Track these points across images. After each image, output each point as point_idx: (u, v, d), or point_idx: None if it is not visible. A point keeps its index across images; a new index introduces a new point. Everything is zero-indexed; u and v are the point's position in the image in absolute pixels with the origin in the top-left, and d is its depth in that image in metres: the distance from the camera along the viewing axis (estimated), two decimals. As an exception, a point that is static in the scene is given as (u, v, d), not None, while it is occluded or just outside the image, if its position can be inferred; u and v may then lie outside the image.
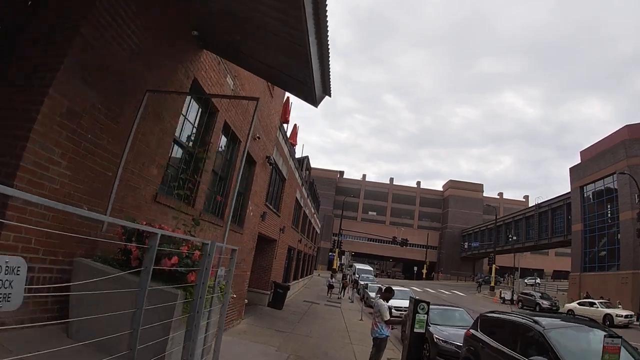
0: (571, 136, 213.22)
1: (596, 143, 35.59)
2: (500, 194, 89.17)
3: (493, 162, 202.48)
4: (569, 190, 39.80)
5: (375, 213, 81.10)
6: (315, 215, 41.28)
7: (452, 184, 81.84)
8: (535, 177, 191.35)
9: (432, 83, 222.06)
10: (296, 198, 26.01)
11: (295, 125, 15.18)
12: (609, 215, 32.51)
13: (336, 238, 46.07)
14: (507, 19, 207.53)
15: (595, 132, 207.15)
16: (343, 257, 48.25)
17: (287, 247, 22.63)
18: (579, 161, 37.87)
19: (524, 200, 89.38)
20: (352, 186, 78.40)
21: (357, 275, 34.55)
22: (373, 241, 74.77)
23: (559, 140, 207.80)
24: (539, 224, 49.27)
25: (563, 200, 42.93)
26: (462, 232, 75.25)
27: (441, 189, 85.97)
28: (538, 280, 53.42)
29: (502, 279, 59.91)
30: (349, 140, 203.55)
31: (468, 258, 72.72)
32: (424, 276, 66.93)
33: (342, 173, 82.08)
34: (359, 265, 40.08)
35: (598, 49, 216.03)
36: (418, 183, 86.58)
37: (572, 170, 37.84)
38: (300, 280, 34.55)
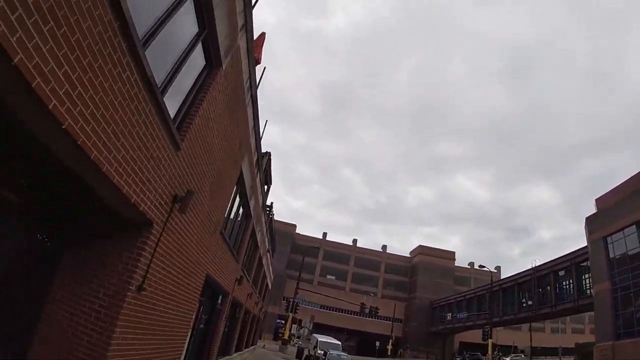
0: (519, 219, 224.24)
1: (616, 187, 30.78)
2: (471, 264, 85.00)
3: (442, 241, 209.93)
4: (560, 254, 36.30)
5: (334, 277, 73.22)
6: (270, 265, 34.13)
7: (421, 250, 76.01)
8: (485, 256, 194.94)
9: (391, 160, 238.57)
10: (252, 230, 19.39)
11: (262, 34, 9.39)
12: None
13: (287, 302, 38.26)
14: (466, 102, 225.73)
15: (541, 217, 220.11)
16: (297, 325, 40.62)
17: (234, 303, 17.15)
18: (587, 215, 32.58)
19: (495, 271, 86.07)
20: (310, 244, 70.87)
21: (321, 351, 26.93)
22: (330, 309, 66.75)
23: (508, 222, 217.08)
24: (537, 290, 44.21)
25: (570, 260, 38.27)
26: (432, 304, 68.15)
27: (408, 255, 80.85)
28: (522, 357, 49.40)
29: (476, 356, 54.40)
30: (304, 209, 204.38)
31: (438, 333, 65.79)
32: (389, 353, 58.97)
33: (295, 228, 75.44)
34: (321, 337, 32.07)
35: (549, 134, 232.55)
36: (384, 247, 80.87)
37: (589, 220, 32.28)
38: (243, 352, 26.46)
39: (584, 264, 36.54)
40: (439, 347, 64.08)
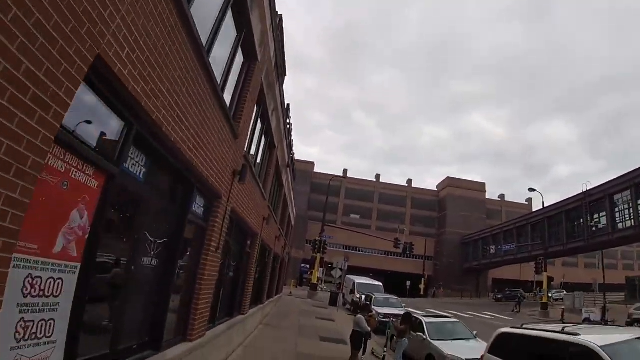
0: (537, 156, 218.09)
1: None
2: (502, 197, 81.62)
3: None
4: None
5: (358, 216, 70.25)
6: (292, 200, 30.80)
7: (450, 182, 71.43)
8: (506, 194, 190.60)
9: (405, 101, 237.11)
10: (277, 161, 15.65)
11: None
12: None
13: (313, 245, 34.96)
14: (480, 40, 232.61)
15: (560, 153, 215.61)
16: (324, 268, 37.83)
17: (262, 247, 14.86)
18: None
19: (527, 203, 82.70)
20: (331, 182, 67.28)
21: (359, 295, 23.84)
22: (356, 250, 64.85)
23: (526, 160, 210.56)
24: (588, 217, 40.13)
25: (629, 181, 33.74)
26: (464, 239, 65.02)
27: (435, 189, 77.31)
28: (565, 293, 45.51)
29: (518, 293, 51.90)
30: (319, 156, 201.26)
31: (472, 270, 63.86)
32: (421, 292, 57.29)
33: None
34: (358, 279, 28.77)
35: (567, 72, 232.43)
36: (409, 181, 76.53)
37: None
38: (273, 298, 23.73)
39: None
40: (472, 285, 61.70)
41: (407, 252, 39.58)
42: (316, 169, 71.54)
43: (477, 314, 30.70)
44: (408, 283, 56.95)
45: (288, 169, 21.01)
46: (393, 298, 21.86)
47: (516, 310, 35.04)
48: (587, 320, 23.62)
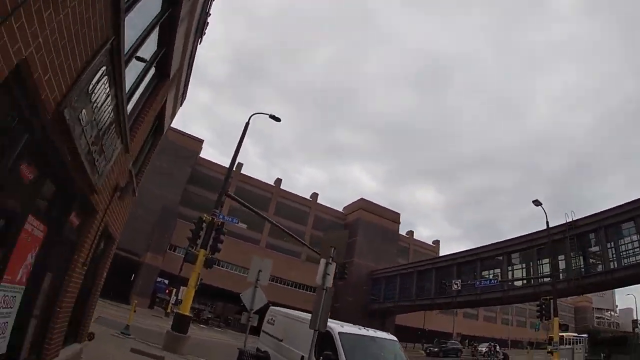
0: (404, 215, 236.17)
1: None
2: (410, 233, 75.88)
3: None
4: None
5: (245, 226, 57.55)
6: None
7: (363, 204, 61.30)
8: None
9: (290, 137, 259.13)
10: None
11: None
12: None
13: (187, 249, 20.05)
14: (371, 99, 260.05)
15: (424, 216, 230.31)
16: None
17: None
18: None
19: (433, 245, 78.41)
20: (217, 175, 53.52)
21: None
22: (227, 267, 50.91)
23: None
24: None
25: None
26: (373, 274, 55.70)
27: (343, 211, 67.99)
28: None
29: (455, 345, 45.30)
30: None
31: (378, 312, 54.35)
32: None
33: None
34: (340, 328, 12.28)
35: (446, 144, 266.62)
36: (314, 195, 66.71)
37: None
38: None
39: None
40: (377, 329, 53.03)
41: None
42: (203, 154, 57.44)
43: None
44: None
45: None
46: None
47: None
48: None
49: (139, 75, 6.37)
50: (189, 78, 11.29)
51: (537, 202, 26.07)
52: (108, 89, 4.27)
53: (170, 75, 7.82)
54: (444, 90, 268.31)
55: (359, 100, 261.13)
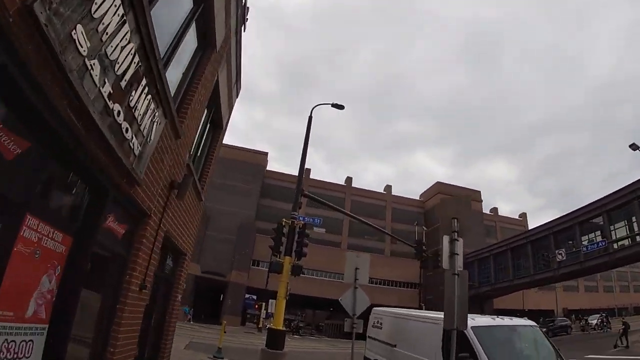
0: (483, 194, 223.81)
1: None
2: (494, 210, 71.18)
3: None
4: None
5: (324, 230, 56.71)
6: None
7: (441, 188, 58.47)
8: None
9: (351, 138, 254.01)
10: None
11: None
12: None
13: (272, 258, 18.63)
14: (423, 85, 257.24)
15: (501, 192, 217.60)
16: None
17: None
18: None
19: (520, 219, 72.96)
20: (287, 184, 52.94)
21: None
22: (315, 273, 49.96)
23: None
24: None
25: None
26: (466, 258, 53.26)
27: (420, 199, 65.10)
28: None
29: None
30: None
31: (476, 298, 50.94)
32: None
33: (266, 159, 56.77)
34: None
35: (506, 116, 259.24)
36: (388, 188, 64.60)
37: None
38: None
39: None
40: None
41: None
42: (269, 167, 57.39)
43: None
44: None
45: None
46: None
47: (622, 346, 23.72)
48: None
49: (177, 33, 4.99)
50: (240, 65, 9.97)
51: (634, 146, 22.56)
52: (122, 9, 2.81)
53: (216, 45, 6.50)
54: (498, 59, 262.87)
55: (411, 89, 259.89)
